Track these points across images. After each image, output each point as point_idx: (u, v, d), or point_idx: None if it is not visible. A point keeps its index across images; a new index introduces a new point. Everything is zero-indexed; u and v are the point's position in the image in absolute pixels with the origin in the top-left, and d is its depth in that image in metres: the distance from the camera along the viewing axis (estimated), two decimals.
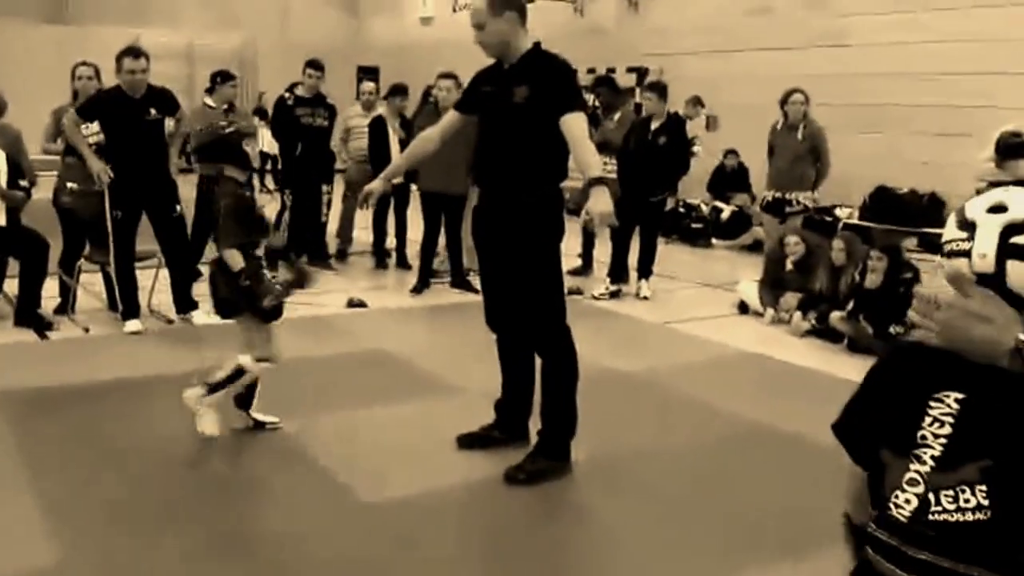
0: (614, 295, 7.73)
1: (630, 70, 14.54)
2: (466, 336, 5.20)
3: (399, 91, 9.65)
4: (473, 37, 4.26)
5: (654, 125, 8.41)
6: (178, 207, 6.94)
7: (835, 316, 7.17)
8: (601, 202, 3.88)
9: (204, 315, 6.90)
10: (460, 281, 8.36)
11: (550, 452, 4.35)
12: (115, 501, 3.99)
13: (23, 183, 6.75)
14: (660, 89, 8.54)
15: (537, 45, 4.25)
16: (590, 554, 3.74)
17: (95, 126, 6.90)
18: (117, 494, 4.06)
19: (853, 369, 6.45)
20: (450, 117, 4.55)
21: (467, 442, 4.65)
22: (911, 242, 11.47)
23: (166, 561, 3.52)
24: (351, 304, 7.76)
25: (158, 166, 6.75)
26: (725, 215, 11.87)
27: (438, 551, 3.70)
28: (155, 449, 4.57)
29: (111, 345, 6.42)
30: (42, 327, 6.59)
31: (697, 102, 12.26)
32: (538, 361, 4.45)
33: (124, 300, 6.78)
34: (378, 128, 9.23)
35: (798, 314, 7.54)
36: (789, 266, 7.82)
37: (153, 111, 6.68)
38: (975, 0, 11.16)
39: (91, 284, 7.36)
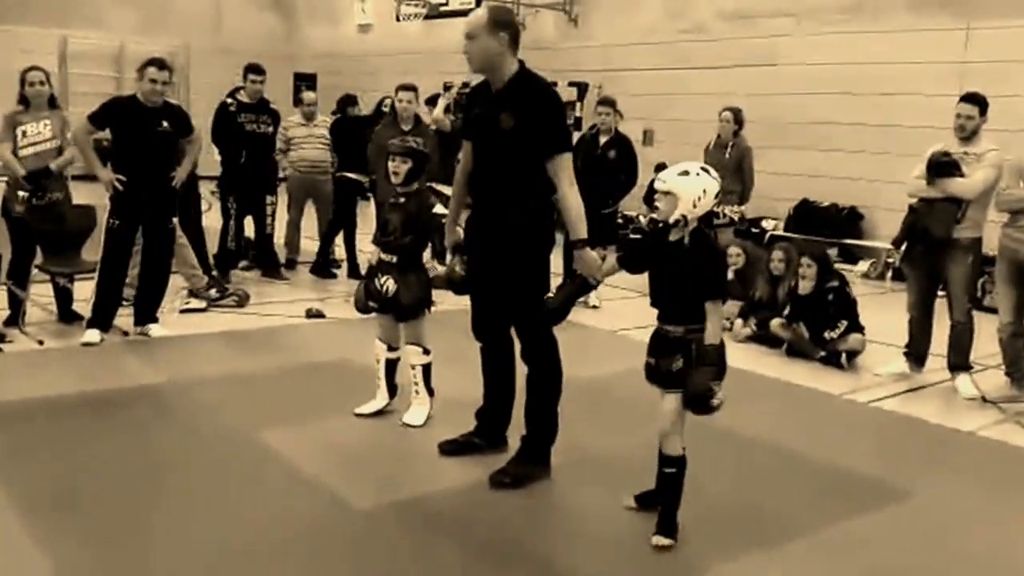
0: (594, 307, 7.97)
1: (571, 84, 14.83)
2: (434, 344, 5.30)
3: (351, 101, 9.76)
4: (463, 47, 4.42)
5: (603, 139, 8.67)
6: (174, 220, 6.96)
7: (775, 323, 7.52)
8: (585, 265, 4.21)
9: (160, 329, 6.95)
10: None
11: (533, 456, 4.54)
12: (100, 515, 4.00)
13: None
14: (613, 104, 8.81)
15: (522, 66, 4.42)
16: (582, 551, 3.93)
17: (47, 131, 6.90)
18: (102, 508, 4.06)
19: (792, 372, 6.84)
20: (466, 148, 4.69)
21: (449, 449, 4.80)
22: (832, 252, 11.99)
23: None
24: (310, 314, 7.85)
25: (162, 178, 6.75)
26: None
27: (440, 555, 3.84)
28: (133, 462, 4.59)
29: (68, 358, 6.37)
30: None
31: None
32: (520, 370, 4.62)
33: (97, 309, 6.72)
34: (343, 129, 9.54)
35: (739, 321, 7.88)
36: (730, 276, 8.13)
37: (165, 123, 6.70)
38: (897, 24, 11.73)
39: (39, 295, 7.27)
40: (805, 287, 7.35)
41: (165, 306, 7.23)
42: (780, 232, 12.35)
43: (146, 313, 6.95)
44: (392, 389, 5.41)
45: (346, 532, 4.00)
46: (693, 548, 3.96)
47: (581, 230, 4.25)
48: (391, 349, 5.35)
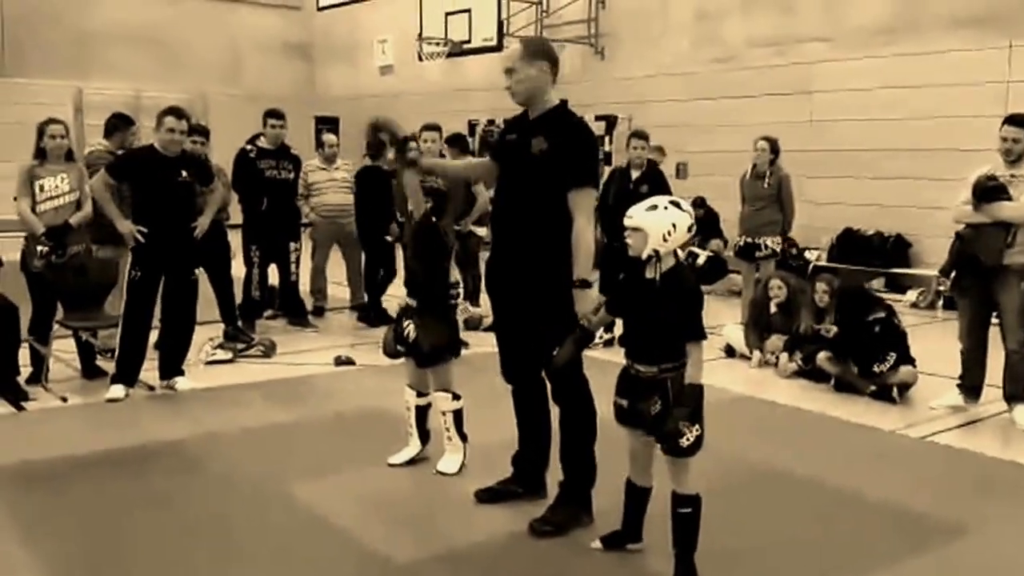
0: (608, 344, 7.97)
1: (599, 118, 14.92)
2: (465, 388, 5.33)
3: (383, 146, 9.87)
4: (504, 81, 4.51)
5: (635, 174, 8.75)
6: (196, 271, 7.03)
7: (821, 356, 7.51)
8: (580, 305, 4.24)
9: (187, 381, 7.03)
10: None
11: (574, 501, 4.54)
12: (131, 569, 4.06)
13: None
14: (647, 137, 8.93)
15: (564, 103, 4.53)
16: None
17: (64, 185, 7.04)
18: (133, 570, 4.10)
19: (841, 407, 6.82)
20: (483, 160, 4.78)
21: (486, 497, 4.82)
22: (879, 282, 12.00)
23: None
24: (339, 362, 7.92)
25: (183, 228, 6.86)
26: (701, 260, 12.22)
27: None
28: (163, 521, 4.61)
29: (93, 414, 6.43)
30: (19, 398, 6.53)
31: (659, 150, 12.58)
32: (555, 411, 4.64)
33: (121, 363, 6.78)
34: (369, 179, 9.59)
35: (784, 355, 7.87)
36: (773, 309, 8.15)
37: (184, 173, 6.82)
38: (937, 45, 11.75)
39: (61, 351, 7.33)
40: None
41: (191, 358, 7.31)
42: (823, 263, 12.35)
43: (172, 366, 7.02)
44: (424, 436, 5.44)
45: None
46: None
47: (585, 270, 4.29)
48: (420, 395, 5.39)
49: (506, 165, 4.67)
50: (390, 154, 5.88)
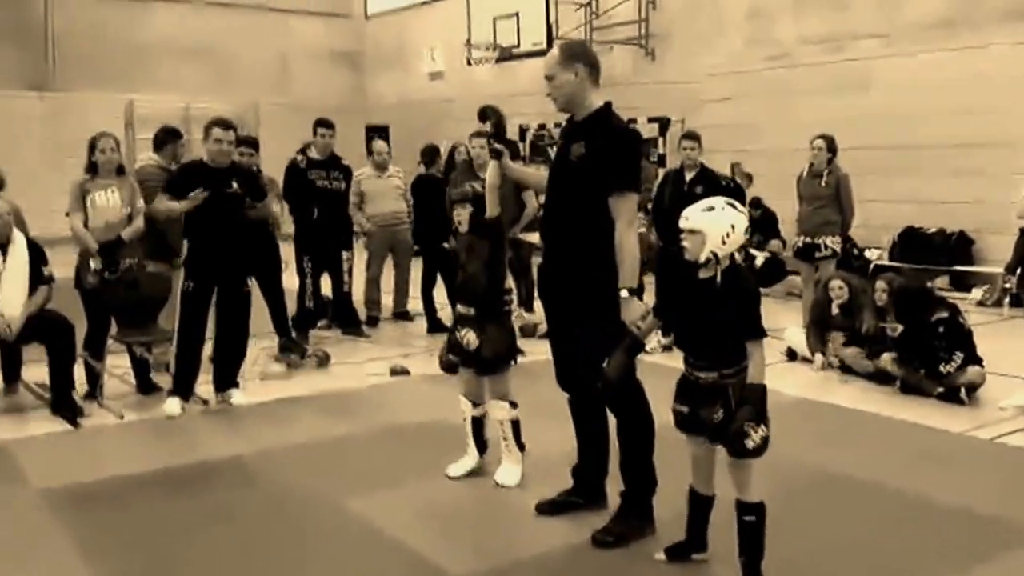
0: (666, 348, 7.90)
1: (651, 120, 14.85)
2: (523, 397, 5.29)
3: (435, 153, 9.95)
4: (544, 88, 4.51)
5: (689, 175, 8.66)
6: (249, 282, 7.08)
7: (886, 358, 7.37)
8: (628, 314, 4.16)
9: (242, 395, 7.07)
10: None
11: (635, 512, 4.48)
12: None
13: (46, 270, 6.80)
14: (699, 138, 8.81)
15: (607, 106, 4.47)
16: None
17: (115, 199, 7.05)
18: None
19: (908, 410, 6.69)
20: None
21: (546, 509, 4.77)
22: (943, 280, 11.79)
23: None
24: (394, 372, 7.93)
25: (234, 239, 6.88)
26: (759, 262, 12.11)
27: None
28: (222, 538, 4.63)
29: (149, 431, 6.47)
30: (75, 414, 6.58)
31: (747, 176, 12.44)
32: (612, 420, 4.58)
33: (177, 377, 6.84)
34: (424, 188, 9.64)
35: (854, 349, 7.76)
36: (835, 310, 8.02)
37: (235, 184, 6.86)
38: (995, 37, 11.54)
39: (115, 367, 7.39)
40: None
41: (246, 371, 7.36)
42: (885, 262, 12.16)
43: (226, 378, 7.06)
44: (482, 447, 5.41)
45: None
46: None
47: (631, 277, 4.22)
48: (476, 405, 5.35)
49: (551, 171, 4.65)
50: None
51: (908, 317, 7.32)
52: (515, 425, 5.24)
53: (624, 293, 4.19)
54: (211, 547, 4.51)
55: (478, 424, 5.39)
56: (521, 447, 5.26)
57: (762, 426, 3.72)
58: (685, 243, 3.84)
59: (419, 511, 4.91)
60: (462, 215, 5.26)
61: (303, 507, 5.00)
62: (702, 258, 3.80)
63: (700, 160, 8.77)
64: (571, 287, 4.45)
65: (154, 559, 4.39)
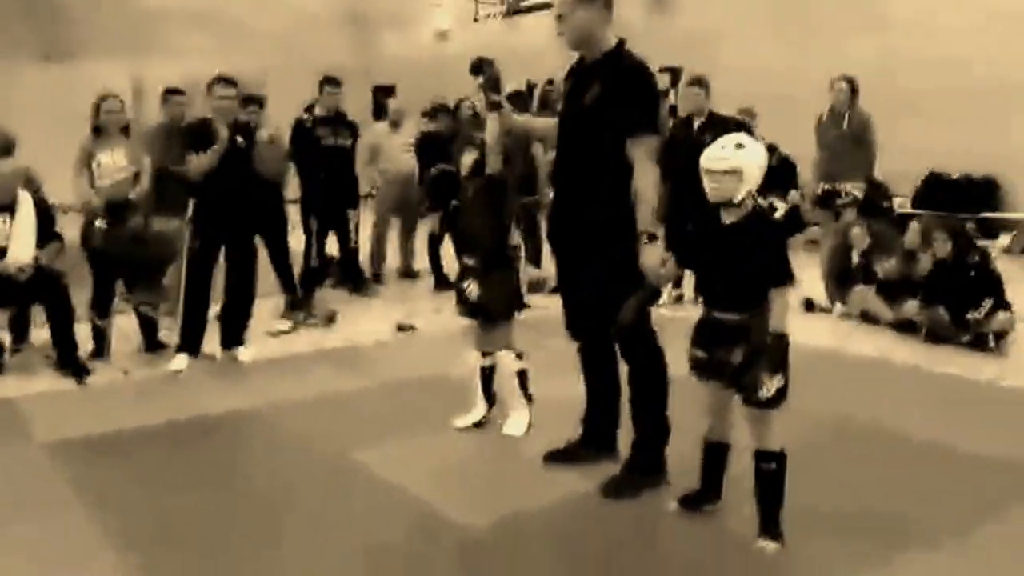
0: (678, 300, 7.75)
1: (663, 70, 14.57)
2: (531, 351, 5.23)
3: (443, 109, 9.84)
4: (556, 29, 4.33)
5: (696, 123, 8.36)
6: (254, 240, 7.08)
7: (911, 306, 7.20)
8: (647, 261, 4.01)
9: (249, 351, 7.02)
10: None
11: (645, 463, 4.38)
12: (198, 548, 3.99)
13: (56, 230, 6.84)
14: (706, 84, 8.51)
15: (621, 43, 4.30)
16: (702, 566, 3.77)
17: (121, 159, 7.03)
18: (199, 541, 4.06)
19: (934, 358, 6.54)
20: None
21: (555, 459, 4.68)
22: (970, 227, 11.54)
23: None
24: (401, 328, 7.87)
25: (241, 195, 6.83)
26: (779, 213, 11.87)
27: (549, 572, 3.77)
28: (229, 492, 4.58)
29: (155, 386, 6.44)
30: (80, 372, 6.59)
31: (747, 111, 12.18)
32: (623, 368, 4.47)
33: (184, 333, 6.84)
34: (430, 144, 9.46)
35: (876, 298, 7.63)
36: (856, 258, 7.85)
37: (239, 139, 6.81)
38: None
39: (123, 327, 7.34)
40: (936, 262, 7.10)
41: (253, 328, 7.28)
42: (908, 209, 11.93)
43: (233, 336, 7.03)
44: (490, 399, 5.33)
45: (451, 550, 3.93)
46: (819, 551, 3.79)
47: (650, 222, 4.07)
48: (485, 355, 5.27)
49: (562, 115, 4.47)
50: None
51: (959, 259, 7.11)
52: (522, 376, 5.17)
53: (644, 239, 4.05)
54: (216, 498, 4.47)
55: (487, 376, 5.31)
56: (529, 398, 5.18)
57: (778, 376, 3.61)
58: (715, 185, 3.67)
59: (426, 462, 4.84)
60: (466, 161, 5.14)
61: (311, 461, 4.95)
62: (738, 198, 3.65)
63: (708, 107, 8.50)
64: (586, 233, 4.32)
65: (162, 513, 4.33)
